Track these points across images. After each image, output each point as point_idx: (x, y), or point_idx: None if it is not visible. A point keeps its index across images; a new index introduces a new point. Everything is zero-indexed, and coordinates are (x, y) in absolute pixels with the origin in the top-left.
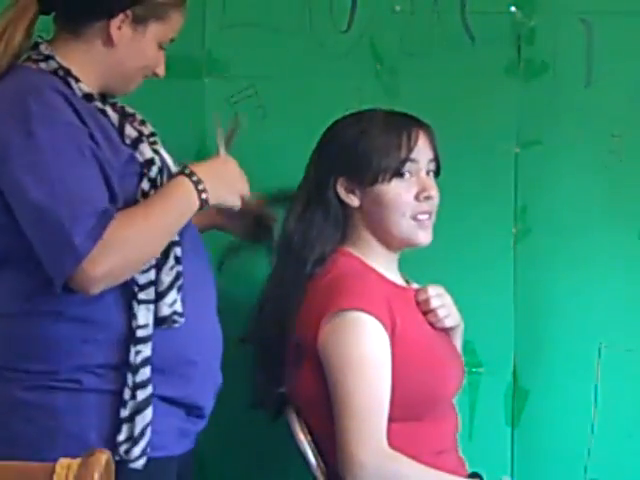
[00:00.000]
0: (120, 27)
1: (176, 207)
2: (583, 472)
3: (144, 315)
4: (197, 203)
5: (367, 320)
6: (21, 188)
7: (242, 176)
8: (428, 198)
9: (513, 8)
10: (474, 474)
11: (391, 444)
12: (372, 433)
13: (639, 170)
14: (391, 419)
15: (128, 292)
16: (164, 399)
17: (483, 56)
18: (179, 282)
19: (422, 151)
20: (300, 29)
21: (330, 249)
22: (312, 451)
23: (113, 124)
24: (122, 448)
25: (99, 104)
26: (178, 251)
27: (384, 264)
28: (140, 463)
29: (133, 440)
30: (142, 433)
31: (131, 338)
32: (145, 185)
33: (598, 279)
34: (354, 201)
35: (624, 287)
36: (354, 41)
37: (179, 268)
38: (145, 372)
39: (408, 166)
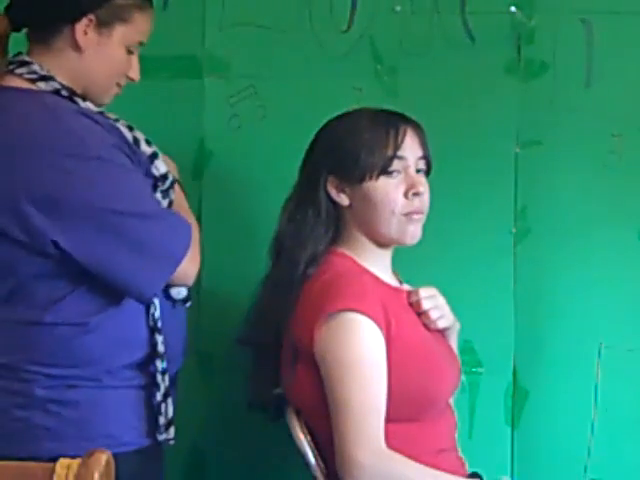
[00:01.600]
0: (86, 32)
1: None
2: (583, 472)
3: (157, 305)
4: None
5: (362, 321)
6: (101, 205)
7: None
8: (417, 194)
9: (513, 8)
10: (474, 474)
11: (389, 445)
12: (369, 433)
13: (639, 170)
14: (388, 420)
15: None
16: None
17: (483, 56)
18: None
19: (410, 148)
20: (300, 29)
21: (322, 249)
22: (312, 451)
23: (128, 140)
24: (162, 429)
25: (111, 121)
26: None
27: (377, 264)
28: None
29: (169, 420)
30: (173, 413)
31: (154, 330)
32: (158, 196)
33: (598, 279)
34: (344, 200)
35: (624, 287)
36: (354, 41)
37: None
38: (166, 360)
39: (395, 163)
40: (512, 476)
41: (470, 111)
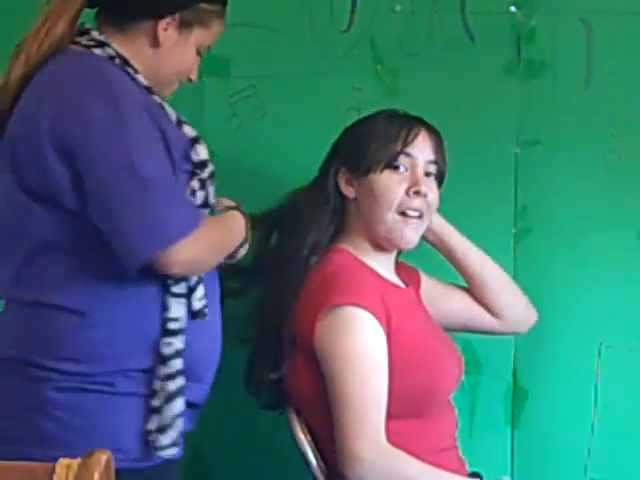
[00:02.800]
0: (167, 29)
1: (238, 236)
2: (583, 472)
3: (176, 308)
4: (242, 239)
5: (362, 315)
6: (113, 159)
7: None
8: (417, 193)
9: (513, 8)
10: (474, 474)
11: (390, 442)
12: (370, 428)
13: (639, 170)
14: (389, 416)
15: (160, 286)
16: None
17: (483, 56)
18: (203, 276)
19: (421, 149)
20: (300, 29)
21: (325, 241)
22: (312, 451)
23: (172, 121)
24: (151, 437)
25: (158, 99)
26: None
27: (378, 262)
28: (170, 452)
29: (159, 429)
30: (172, 423)
31: (162, 331)
32: (195, 184)
33: (598, 279)
34: (351, 193)
35: (624, 287)
36: (354, 41)
37: None
38: (176, 364)
39: (402, 159)
40: (512, 476)
41: (470, 111)
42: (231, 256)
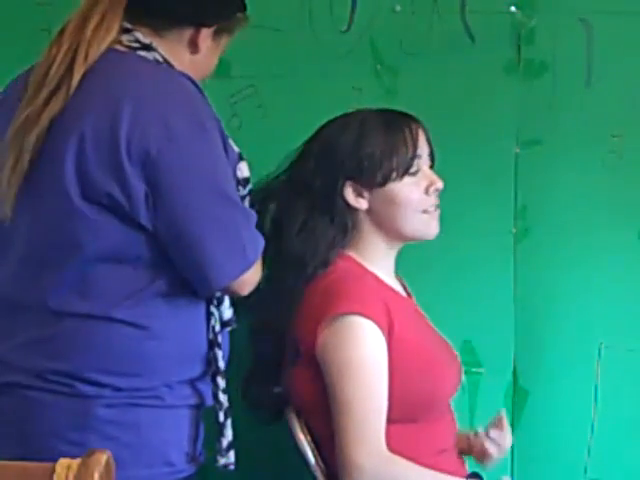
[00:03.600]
0: (205, 37)
1: None
2: (583, 472)
3: (217, 321)
4: None
5: (365, 324)
6: (204, 179)
7: None
8: (437, 190)
9: (513, 8)
10: (474, 474)
11: (390, 445)
12: (370, 436)
13: (639, 170)
14: (389, 421)
15: (205, 302)
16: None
17: (483, 56)
18: None
19: (422, 146)
20: (300, 29)
21: (333, 254)
22: (312, 451)
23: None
24: (225, 452)
25: None
26: None
27: (382, 266)
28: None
29: (230, 443)
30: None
31: (214, 344)
32: None
33: (598, 279)
34: (363, 204)
35: (624, 287)
36: (354, 41)
37: None
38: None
39: (415, 162)
40: (512, 476)
41: (470, 111)
42: None
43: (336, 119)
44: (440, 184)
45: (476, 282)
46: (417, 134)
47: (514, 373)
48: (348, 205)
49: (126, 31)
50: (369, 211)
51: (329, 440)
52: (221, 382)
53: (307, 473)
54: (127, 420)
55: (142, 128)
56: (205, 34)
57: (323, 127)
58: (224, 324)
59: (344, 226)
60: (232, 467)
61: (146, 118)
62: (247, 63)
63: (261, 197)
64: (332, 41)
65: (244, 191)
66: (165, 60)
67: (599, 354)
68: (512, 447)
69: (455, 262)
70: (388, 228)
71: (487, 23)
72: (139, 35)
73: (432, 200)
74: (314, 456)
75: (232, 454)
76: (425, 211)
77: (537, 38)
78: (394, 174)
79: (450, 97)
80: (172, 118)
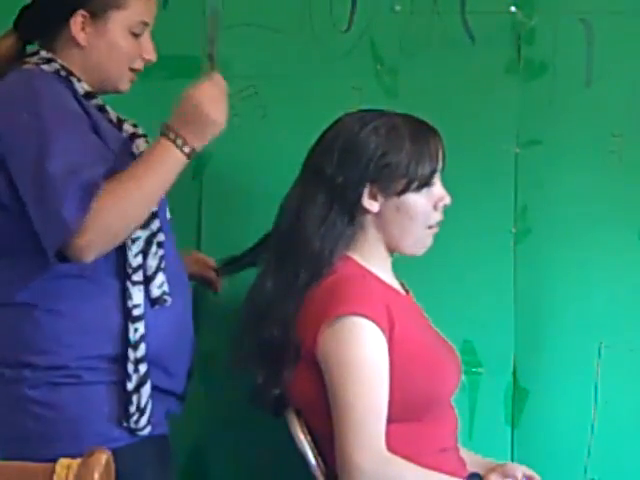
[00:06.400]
0: (83, 27)
1: (163, 171)
2: (583, 472)
3: (137, 295)
4: (183, 158)
5: (365, 325)
6: (23, 156)
7: (222, 98)
8: (445, 206)
9: (513, 8)
10: (474, 474)
11: (391, 445)
12: (370, 438)
13: (639, 170)
14: (391, 420)
15: (121, 274)
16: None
17: (483, 56)
18: (162, 265)
19: (440, 161)
20: (300, 29)
21: (336, 257)
22: (312, 451)
23: (112, 120)
24: (133, 419)
25: (99, 101)
26: (161, 237)
27: (382, 268)
28: (146, 431)
29: (141, 410)
30: (146, 404)
31: (128, 317)
32: None
33: (598, 279)
34: (374, 207)
35: (624, 287)
36: (354, 41)
37: (161, 252)
38: (142, 348)
39: (435, 176)
40: None
41: (470, 111)
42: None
43: (362, 116)
44: (448, 200)
45: (476, 282)
46: (439, 148)
47: (514, 373)
48: (361, 206)
49: (34, 53)
50: (377, 215)
51: (329, 440)
52: (131, 354)
53: (307, 473)
54: (51, 399)
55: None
56: (78, 26)
57: (344, 120)
58: (153, 302)
59: (360, 226)
60: (144, 432)
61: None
62: (247, 63)
63: None
64: (332, 41)
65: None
66: (64, 68)
67: (599, 354)
68: (512, 447)
69: (455, 262)
70: (390, 236)
71: (487, 23)
72: (43, 53)
73: (438, 216)
74: (314, 456)
75: (143, 420)
76: (430, 227)
77: (537, 38)
78: (414, 185)
79: (450, 97)
80: (11, 111)
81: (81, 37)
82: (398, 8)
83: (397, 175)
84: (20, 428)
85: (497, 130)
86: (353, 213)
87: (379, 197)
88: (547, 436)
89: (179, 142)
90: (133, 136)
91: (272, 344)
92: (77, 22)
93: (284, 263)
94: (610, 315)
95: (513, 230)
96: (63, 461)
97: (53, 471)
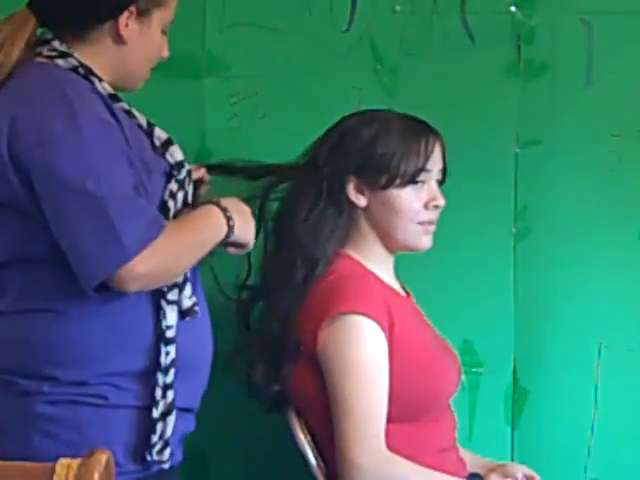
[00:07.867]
0: (127, 24)
1: (212, 233)
2: (583, 472)
3: (171, 316)
4: (225, 233)
5: (366, 324)
6: (65, 179)
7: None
8: (437, 207)
9: (513, 8)
10: (474, 474)
11: (391, 445)
12: (370, 436)
13: (639, 170)
14: (390, 420)
15: (157, 292)
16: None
17: (483, 56)
18: (189, 274)
19: (435, 161)
20: (300, 29)
21: (331, 253)
22: (312, 451)
23: (141, 125)
24: (155, 449)
25: (125, 105)
26: None
27: (382, 267)
28: (168, 465)
29: (165, 441)
30: (170, 435)
31: (161, 338)
32: (173, 186)
33: (598, 279)
34: (362, 201)
35: (624, 287)
36: (354, 41)
37: None
38: (172, 374)
39: (423, 175)
40: None
41: (470, 111)
42: (239, 245)
43: (364, 112)
44: (441, 202)
45: (476, 282)
46: (433, 148)
47: (514, 373)
48: (348, 199)
49: (45, 42)
50: (366, 210)
51: (329, 440)
52: (160, 378)
53: (307, 473)
54: (69, 417)
55: (17, 135)
56: (124, 22)
57: (347, 117)
58: (184, 314)
59: (350, 220)
60: (165, 465)
61: (20, 124)
62: (247, 63)
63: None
64: (332, 41)
65: (179, 175)
66: (82, 65)
67: (599, 354)
68: (512, 447)
69: (455, 262)
70: (383, 231)
71: (487, 23)
72: (56, 44)
73: (429, 215)
74: (314, 456)
75: (167, 452)
76: (420, 223)
77: (537, 38)
78: (398, 180)
79: (450, 97)
80: (44, 122)
81: (125, 33)
82: (398, 8)
83: (380, 169)
84: (25, 444)
85: (497, 130)
86: (340, 205)
87: (365, 191)
88: (547, 436)
89: (231, 222)
90: (167, 143)
91: (272, 339)
92: (124, 18)
93: (280, 251)
94: (610, 315)
95: (513, 230)
96: (63, 461)
97: (53, 471)
